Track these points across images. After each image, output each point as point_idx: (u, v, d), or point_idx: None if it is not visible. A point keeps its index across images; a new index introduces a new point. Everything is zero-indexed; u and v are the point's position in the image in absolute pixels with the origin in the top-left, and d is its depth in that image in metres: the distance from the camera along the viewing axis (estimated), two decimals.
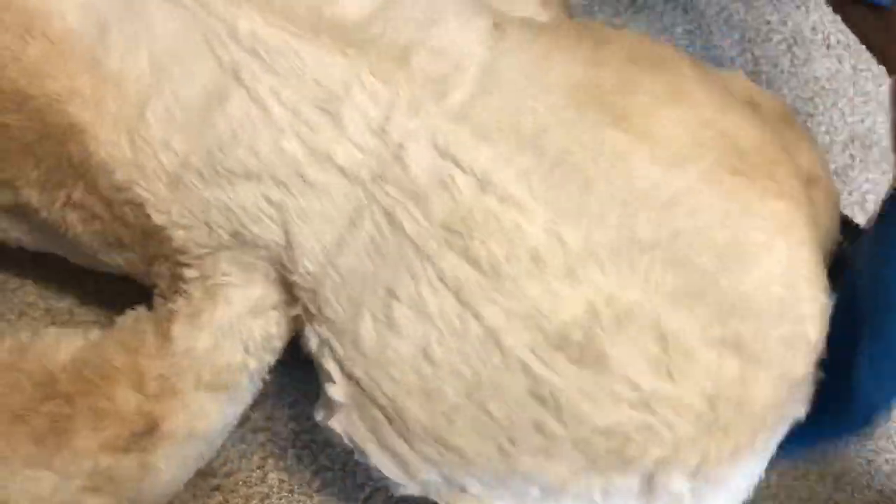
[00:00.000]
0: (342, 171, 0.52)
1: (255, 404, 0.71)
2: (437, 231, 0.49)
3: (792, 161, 0.54)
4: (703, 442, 0.49)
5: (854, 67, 0.90)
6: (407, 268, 0.50)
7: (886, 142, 0.87)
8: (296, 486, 0.71)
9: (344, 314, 0.52)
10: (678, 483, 0.50)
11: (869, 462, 0.76)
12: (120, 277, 0.65)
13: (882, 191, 0.87)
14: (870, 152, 0.88)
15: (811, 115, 0.88)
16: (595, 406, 0.48)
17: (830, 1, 0.61)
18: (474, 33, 0.56)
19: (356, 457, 0.55)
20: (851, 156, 0.88)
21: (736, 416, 0.49)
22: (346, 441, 0.55)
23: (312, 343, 0.55)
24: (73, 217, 0.59)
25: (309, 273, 0.53)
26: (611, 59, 0.55)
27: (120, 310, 0.62)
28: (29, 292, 0.73)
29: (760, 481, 0.74)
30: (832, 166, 0.85)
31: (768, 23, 0.92)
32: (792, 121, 0.64)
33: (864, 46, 0.59)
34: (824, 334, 0.52)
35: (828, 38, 0.93)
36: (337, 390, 0.53)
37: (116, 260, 0.63)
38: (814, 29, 0.94)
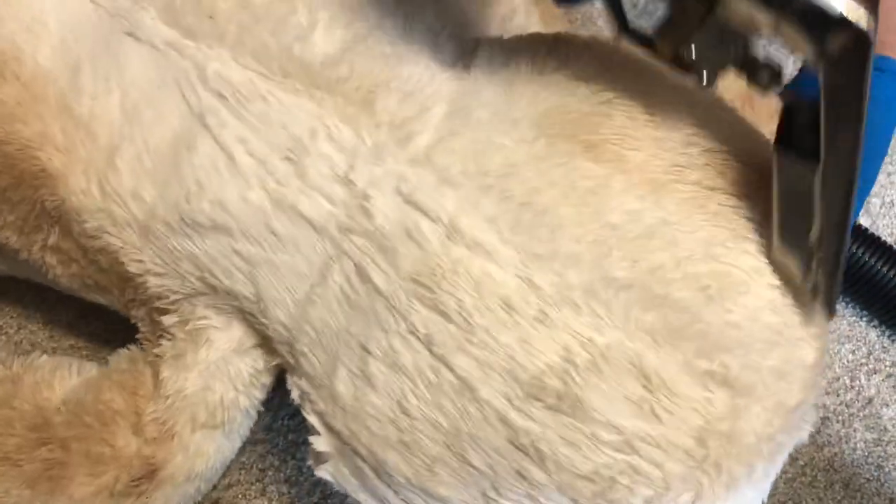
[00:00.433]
0: (310, 222, 0.51)
1: None
2: (405, 284, 0.48)
3: None
4: (694, 478, 0.48)
5: None
6: (378, 321, 0.49)
7: None
8: (296, 498, 0.71)
9: (321, 368, 0.52)
10: None
11: (878, 468, 0.75)
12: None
13: (882, 189, 0.85)
14: None
15: None
16: (576, 451, 0.47)
17: None
18: (441, 67, 0.54)
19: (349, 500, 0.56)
20: None
21: (728, 449, 0.48)
22: (337, 488, 0.55)
23: (294, 394, 0.54)
24: (52, 260, 0.60)
25: (283, 327, 0.53)
26: (580, 78, 0.53)
27: (109, 329, 0.62)
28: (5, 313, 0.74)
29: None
30: None
31: None
32: None
33: None
34: (824, 355, 0.50)
35: None
36: (321, 442, 0.53)
37: (99, 300, 0.63)
38: None
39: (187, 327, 0.57)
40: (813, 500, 0.74)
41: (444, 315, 0.47)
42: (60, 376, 0.62)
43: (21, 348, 0.75)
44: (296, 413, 0.72)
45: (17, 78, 0.54)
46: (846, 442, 0.76)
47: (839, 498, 0.74)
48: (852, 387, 0.78)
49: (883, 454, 0.75)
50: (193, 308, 0.56)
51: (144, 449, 0.58)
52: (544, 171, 0.50)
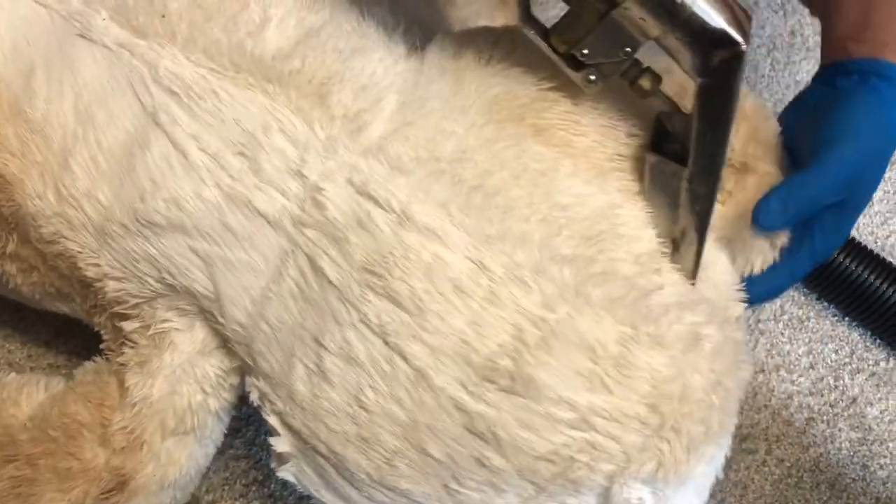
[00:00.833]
0: (265, 217, 0.51)
1: (237, 431, 0.72)
2: (358, 274, 0.48)
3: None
4: (654, 446, 0.47)
5: None
6: (332, 315, 0.48)
7: None
8: None
9: (278, 367, 0.51)
10: (637, 491, 0.47)
11: (864, 467, 0.73)
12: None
13: None
14: None
15: None
16: (533, 433, 0.46)
17: None
18: (394, 60, 0.55)
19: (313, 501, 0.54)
20: None
21: (681, 410, 0.47)
22: (300, 489, 0.54)
23: (253, 395, 0.54)
24: (11, 268, 0.59)
25: (240, 326, 0.52)
26: (526, 67, 0.53)
27: (87, 346, 0.61)
28: None
29: (754, 491, 0.72)
30: None
31: None
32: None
33: None
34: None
35: (807, 41, 0.93)
36: (281, 443, 0.52)
37: (62, 309, 0.63)
38: (792, 33, 0.94)
39: (150, 332, 0.56)
40: (799, 500, 0.72)
41: (397, 303, 0.47)
42: (27, 393, 0.61)
43: None
44: None
45: None
46: (831, 442, 0.74)
47: (825, 498, 0.72)
48: (836, 387, 0.77)
49: (868, 453, 0.74)
50: (154, 311, 0.56)
51: (113, 460, 0.56)
52: (495, 153, 0.50)
